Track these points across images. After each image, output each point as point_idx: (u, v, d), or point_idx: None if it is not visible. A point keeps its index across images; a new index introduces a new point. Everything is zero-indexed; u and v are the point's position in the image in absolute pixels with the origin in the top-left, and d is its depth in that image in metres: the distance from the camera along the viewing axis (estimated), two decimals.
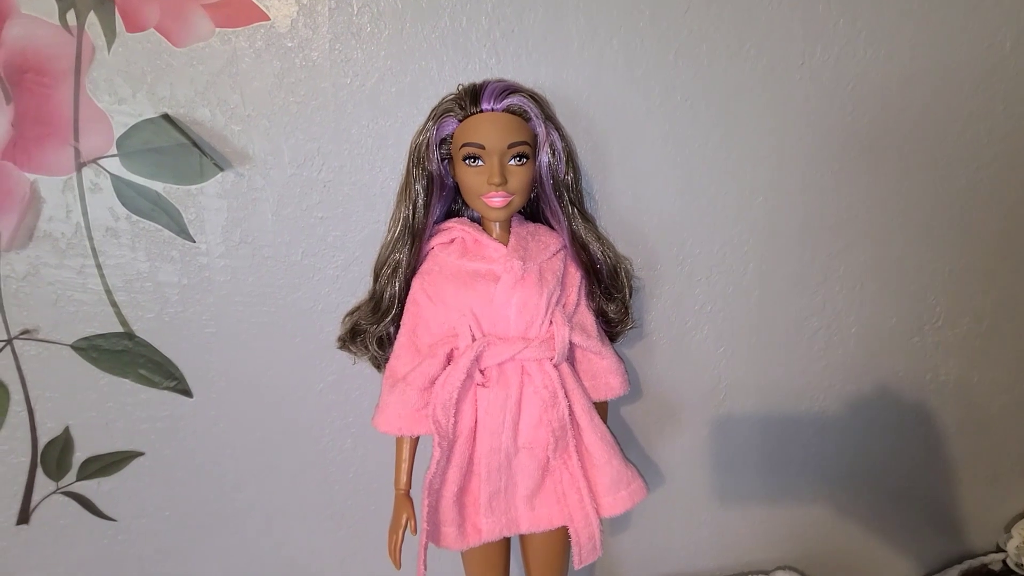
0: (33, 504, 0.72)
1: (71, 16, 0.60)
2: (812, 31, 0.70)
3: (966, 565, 0.92)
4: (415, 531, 0.59)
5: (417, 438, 0.61)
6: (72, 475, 0.72)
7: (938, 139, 0.76)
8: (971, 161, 0.77)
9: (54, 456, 0.71)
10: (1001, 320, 0.84)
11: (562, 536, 0.62)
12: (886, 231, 0.78)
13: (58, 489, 0.72)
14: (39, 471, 0.71)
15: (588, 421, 0.60)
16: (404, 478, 0.61)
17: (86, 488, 0.73)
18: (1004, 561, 0.91)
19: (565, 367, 0.60)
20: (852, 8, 0.70)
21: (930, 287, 0.81)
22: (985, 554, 0.94)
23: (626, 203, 0.72)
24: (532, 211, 0.66)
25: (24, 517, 0.72)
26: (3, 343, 0.67)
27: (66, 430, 0.71)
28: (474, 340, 0.58)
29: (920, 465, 0.88)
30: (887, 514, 0.89)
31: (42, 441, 0.71)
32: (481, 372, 0.58)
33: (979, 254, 0.81)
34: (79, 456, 0.72)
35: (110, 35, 0.61)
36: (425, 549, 0.57)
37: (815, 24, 0.70)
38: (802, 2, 0.69)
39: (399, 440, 0.61)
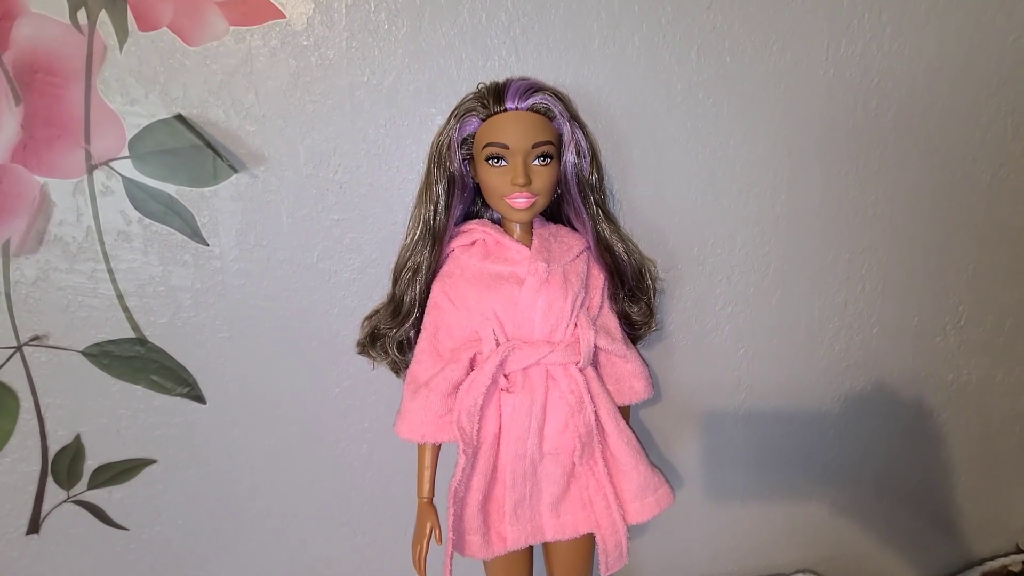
0: (44, 513, 0.71)
1: (82, 15, 0.59)
2: (837, 26, 0.68)
3: (986, 567, 0.91)
4: (440, 540, 0.58)
5: (439, 445, 0.60)
6: (83, 484, 0.71)
7: (963, 135, 0.75)
8: (996, 157, 0.76)
9: (65, 464, 0.70)
10: None
11: (587, 543, 0.61)
12: (909, 230, 0.77)
13: (69, 498, 0.71)
14: (50, 480, 0.70)
15: (614, 426, 0.59)
16: (427, 486, 0.59)
17: (97, 497, 0.71)
18: None
19: (590, 371, 0.59)
20: (878, 2, 0.68)
21: (953, 286, 0.80)
22: (1006, 555, 0.93)
23: (647, 202, 0.71)
24: (552, 211, 0.65)
25: (35, 527, 0.71)
26: (13, 350, 0.66)
27: (77, 438, 0.69)
28: (498, 344, 0.57)
29: (942, 466, 0.87)
30: (908, 515, 0.88)
31: (52, 449, 0.69)
32: (505, 377, 0.57)
33: (1003, 252, 0.80)
34: (90, 464, 0.70)
35: (122, 34, 0.60)
36: (451, 558, 0.56)
37: (840, 18, 0.68)
38: None
39: (421, 447, 0.60)
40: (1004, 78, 0.73)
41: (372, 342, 0.63)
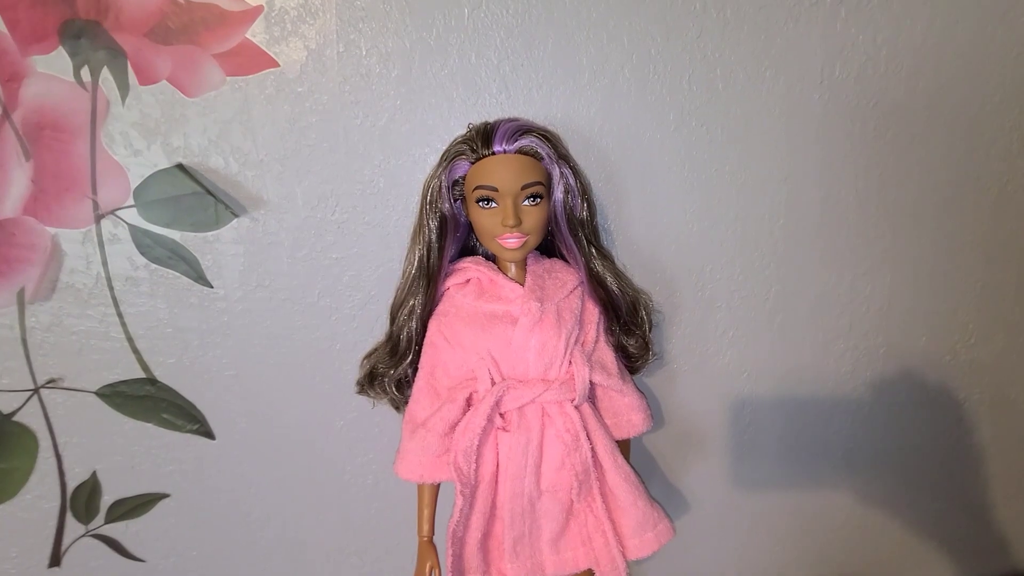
0: (64, 547, 0.73)
1: (85, 72, 0.61)
2: (831, 49, 0.68)
3: None
4: None
5: (439, 484, 0.61)
6: (100, 518, 0.73)
7: (966, 153, 0.73)
8: (1002, 173, 0.75)
9: (83, 500, 0.72)
10: None
11: None
12: (913, 249, 0.76)
13: (87, 532, 0.73)
14: (69, 515, 0.72)
15: (612, 462, 0.59)
16: (427, 526, 0.60)
17: (114, 530, 0.74)
18: None
19: (586, 407, 0.59)
20: (872, 23, 0.68)
21: (961, 304, 0.79)
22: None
23: (643, 231, 0.71)
24: (547, 244, 0.65)
25: (56, 560, 0.74)
26: (30, 392, 0.69)
27: (93, 475, 0.72)
28: (493, 384, 0.57)
29: (956, 485, 0.85)
30: (921, 534, 0.87)
31: (71, 486, 0.72)
32: (501, 416, 0.58)
33: (1013, 268, 0.78)
34: (107, 499, 0.73)
35: (123, 89, 0.62)
36: None
37: (834, 41, 0.68)
38: (820, 20, 0.67)
39: (420, 487, 0.61)
40: (1007, 93, 0.72)
41: (370, 381, 0.64)
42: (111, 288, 0.67)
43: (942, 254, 0.76)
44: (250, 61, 0.62)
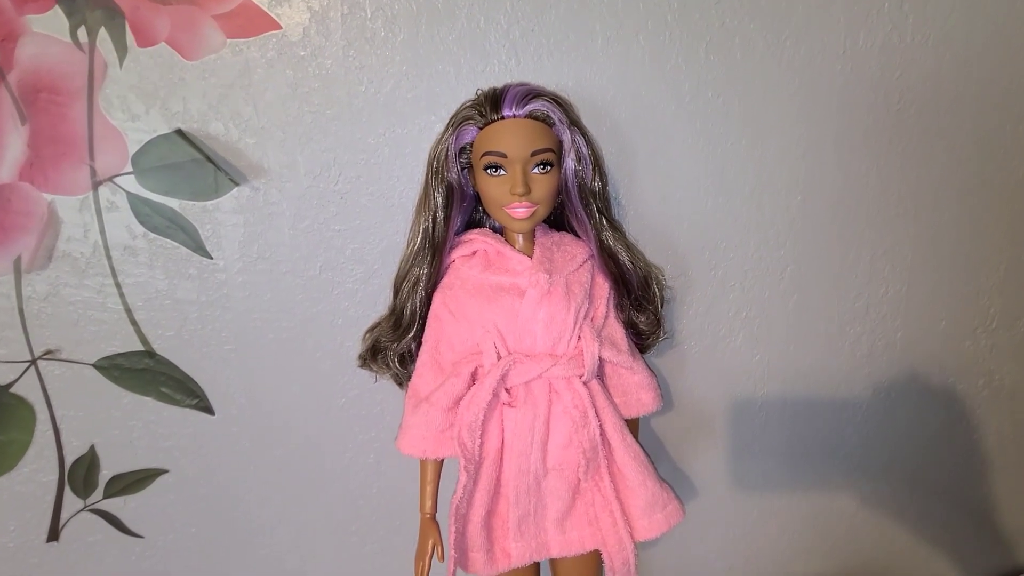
0: (62, 522, 0.72)
1: (82, 33, 0.59)
2: (855, 17, 0.65)
3: None
4: (442, 558, 0.57)
5: (442, 460, 0.59)
6: (99, 493, 0.72)
7: (994, 128, 0.70)
8: None
9: (81, 474, 0.71)
10: None
11: (594, 560, 0.59)
12: (935, 228, 0.73)
13: (86, 507, 0.72)
14: (67, 489, 0.71)
15: (620, 441, 0.57)
16: (429, 502, 0.58)
17: (113, 505, 0.73)
18: None
19: (595, 384, 0.57)
20: None
21: (983, 288, 0.76)
22: None
23: (655, 206, 0.68)
24: (556, 218, 0.63)
25: (54, 534, 0.73)
26: (27, 363, 0.67)
27: (91, 449, 0.71)
28: (499, 358, 0.55)
29: (973, 475, 0.83)
30: (935, 527, 0.85)
31: (68, 460, 0.71)
32: (507, 391, 0.56)
33: None
34: (105, 474, 0.72)
35: (121, 51, 0.60)
36: None
37: (858, 9, 0.65)
38: None
39: (423, 462, 0.59)
40: None
41: (373, 355, 0.62)
42: (109, 257, 0.65)
43: (965, 234, 0.74)
44: (251, 23, 0.60)
